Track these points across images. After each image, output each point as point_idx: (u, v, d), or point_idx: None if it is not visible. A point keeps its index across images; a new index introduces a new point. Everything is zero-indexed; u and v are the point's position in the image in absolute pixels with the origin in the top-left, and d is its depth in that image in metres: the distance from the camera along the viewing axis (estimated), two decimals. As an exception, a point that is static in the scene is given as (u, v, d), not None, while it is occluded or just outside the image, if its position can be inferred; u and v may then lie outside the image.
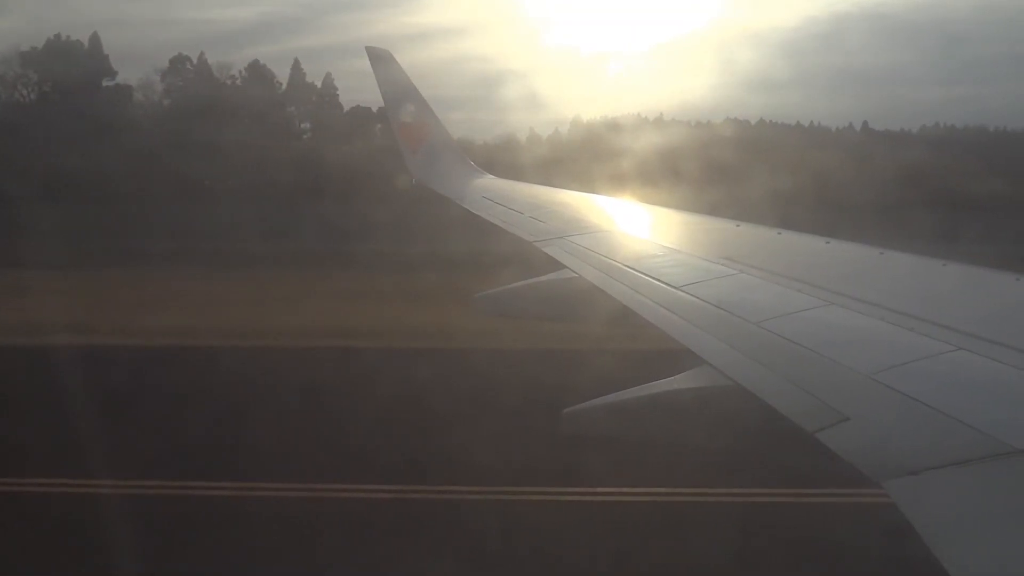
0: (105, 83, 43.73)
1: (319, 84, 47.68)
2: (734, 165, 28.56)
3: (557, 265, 5.41)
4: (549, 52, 68.06)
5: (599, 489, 8.41)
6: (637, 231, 6.62)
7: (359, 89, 58.01)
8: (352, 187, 29.05)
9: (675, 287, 4.10)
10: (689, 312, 3.70)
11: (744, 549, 7.30)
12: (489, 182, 10.55)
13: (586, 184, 11.47)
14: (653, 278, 4.38)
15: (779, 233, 5.19)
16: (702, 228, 6.15)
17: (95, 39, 44.13)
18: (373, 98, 11.87)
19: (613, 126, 41.41)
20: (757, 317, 3.39)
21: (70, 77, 41.44)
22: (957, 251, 4.37)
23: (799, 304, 3.50)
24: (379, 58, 11.51)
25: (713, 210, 6.93)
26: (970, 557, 1.73)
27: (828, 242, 4.75)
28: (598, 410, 3.45)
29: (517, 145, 38.69)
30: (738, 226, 5.56)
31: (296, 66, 47.54)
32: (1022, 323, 3.10)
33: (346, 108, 46.50)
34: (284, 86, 46.81)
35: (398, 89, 11.49)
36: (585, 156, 28.40)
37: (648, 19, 70.73)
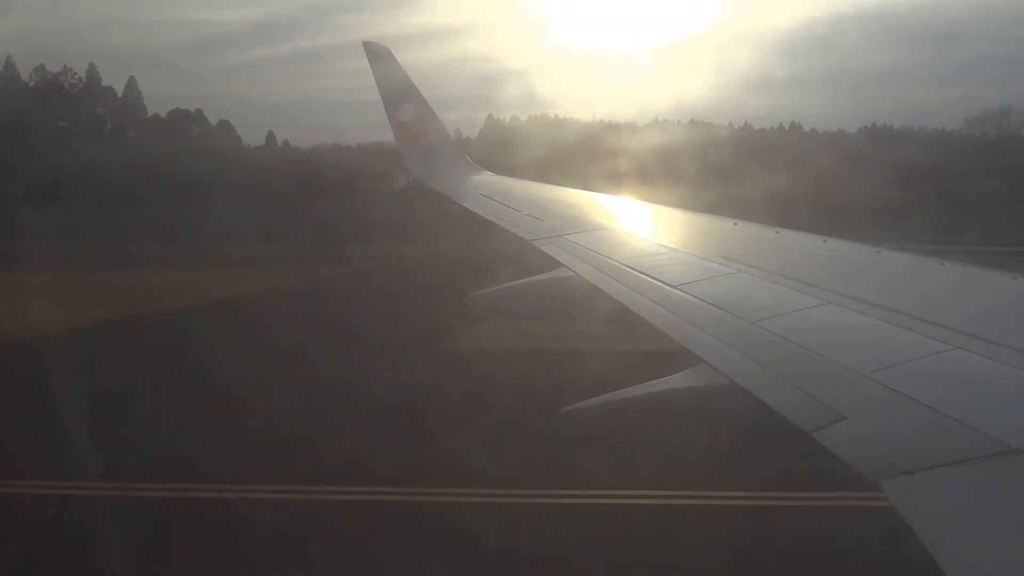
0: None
1: (119, 89, 48.29)
2: (644, 165, 29.18)
3: (554, 263, 5.39)
4: (549, 52, 68.17)
5: (586, 491, 8.35)
6: (634, 229, 6.60)
7: (359, 90, 58.02)
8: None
9: (672, 286, 4.09)
10: (686, 311, 3.69)
11: (739, 550, 7.29)
12: (487, 179, 10.53)
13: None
14: (651, 277, 4.37)
15: (776, 232, 5.17)
16: (699, 227, 6.12)
17: None
18: (372, 97, 11.69)
19: (523, 125, 42.53)
20: (754, 316, 3.38)
21: None
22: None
23: (796, 303, 3.50)
24: (377, 54, 11.45)
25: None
26: (967, 557, 1.73)
27: (825, 241, 4.73)
28: (595, 409, 3.44)
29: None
30: (735, 224, 5.54)
31: (91, 70, 48.24)
32: (1019, 322, 3.10)
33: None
34: (80, 90, 47.39)
35: (396, 86, 11.44)
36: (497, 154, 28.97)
37: (648, 20, 70.78)
